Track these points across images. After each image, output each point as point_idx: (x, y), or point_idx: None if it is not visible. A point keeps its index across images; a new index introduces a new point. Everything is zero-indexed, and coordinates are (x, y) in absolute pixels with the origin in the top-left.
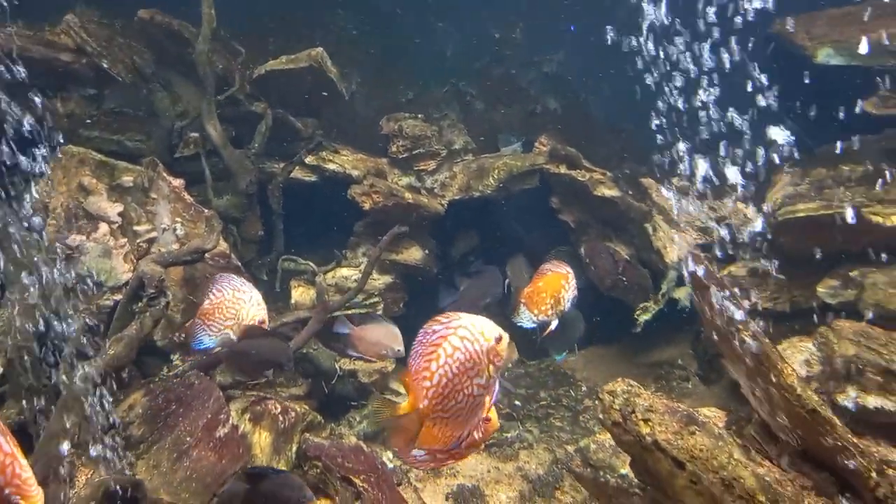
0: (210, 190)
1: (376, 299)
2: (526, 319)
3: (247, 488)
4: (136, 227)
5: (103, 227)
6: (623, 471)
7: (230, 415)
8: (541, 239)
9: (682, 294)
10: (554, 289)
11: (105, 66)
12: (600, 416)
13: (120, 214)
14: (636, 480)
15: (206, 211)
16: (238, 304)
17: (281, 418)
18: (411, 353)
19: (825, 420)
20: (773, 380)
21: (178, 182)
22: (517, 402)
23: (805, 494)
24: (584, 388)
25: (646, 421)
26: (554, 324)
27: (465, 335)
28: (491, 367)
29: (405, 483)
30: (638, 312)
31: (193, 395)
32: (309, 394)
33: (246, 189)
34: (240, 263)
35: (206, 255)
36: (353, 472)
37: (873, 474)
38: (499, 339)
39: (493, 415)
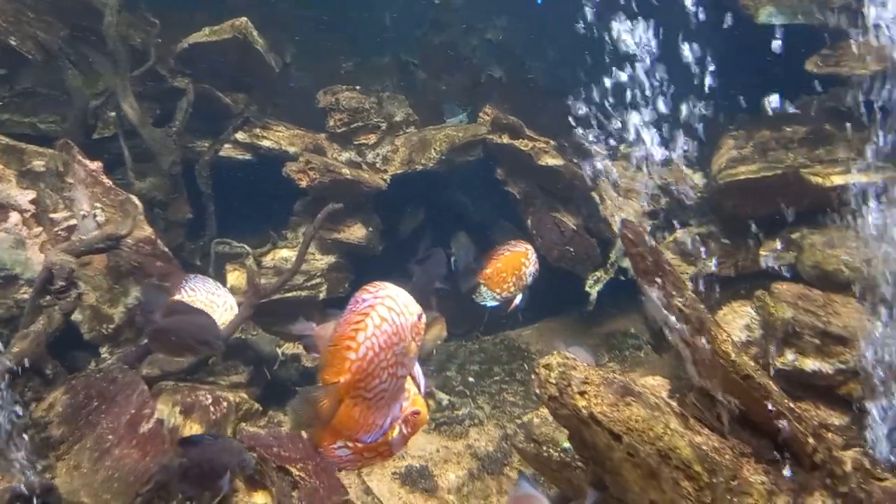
0: (130, 172)
1: (319, 280)
2: (488, 298)
3: (181, 463)
4: (52, 215)
5: (14, 216)
6: (566, 444)
7: (155, 409)
8: (488, 212)
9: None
10: (514, 267)
11: (13, 43)
12: (536, 390)
13: (33, 202)
14: (578, 455)
15: (121, 194)
16: (211, 307)
17: (213, 409)
18: (338, 323)
19: (760, 386)
20: (708, 346)
21: (95, 165)
22: (471, 379)
23: (744, 462)
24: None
25: (582, 394)
26: (518, 298)
27: (392, 306)
28: (413, 344)
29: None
30: (589, 284)
31: (116, 389)
32: (250, 381)
33: (169, 170)
34: (167, 249)
35: (130, 241)
36: (290, 460)
37: (810, 440)
38: (420, 316)
39: (423, 407)
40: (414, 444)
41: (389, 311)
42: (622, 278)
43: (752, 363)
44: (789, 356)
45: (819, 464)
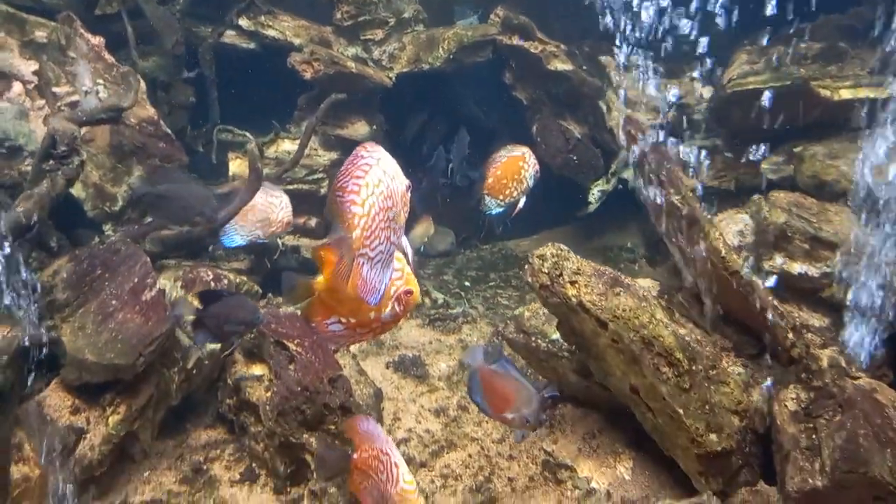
0: (134, 51)
1: (321, 176)
2: (493, 206)
3: (198, 311)
4: (55, 89)
5: (17, 87)
6: (554, 336)
7: (156, 279)
8: (495, 118)
9: (632, 174)
10: (514, 171)
11: None
12: (529, 279)
13: (35, 73)
14: (565, 344)
15: (124, 68)
16: (269, 207)
17: (213, 285)
18: (338, 175)
19: (747, 282)
20: (700, 243)
21: (97, 40)
22: (467, 283)
23: (724, 355)
24: None
25: (572, 283)
26: (522, 201)
27: (387, 169)
28: (402, 214)
29: (343, 351)
30: (590, 191)
31: (119, 260)
32: (251, 269)
33: (173, 49)
34: (170, 131)
35: (133, 120)
36: (287, 336)
37: (789, 334)
38: (408, 187)
39: (415, 287)
40: (408, 336)
41: (384, 173)
42: (621, 187)
43: (741, 261)
44: (778, 259)
45: (796, 358)
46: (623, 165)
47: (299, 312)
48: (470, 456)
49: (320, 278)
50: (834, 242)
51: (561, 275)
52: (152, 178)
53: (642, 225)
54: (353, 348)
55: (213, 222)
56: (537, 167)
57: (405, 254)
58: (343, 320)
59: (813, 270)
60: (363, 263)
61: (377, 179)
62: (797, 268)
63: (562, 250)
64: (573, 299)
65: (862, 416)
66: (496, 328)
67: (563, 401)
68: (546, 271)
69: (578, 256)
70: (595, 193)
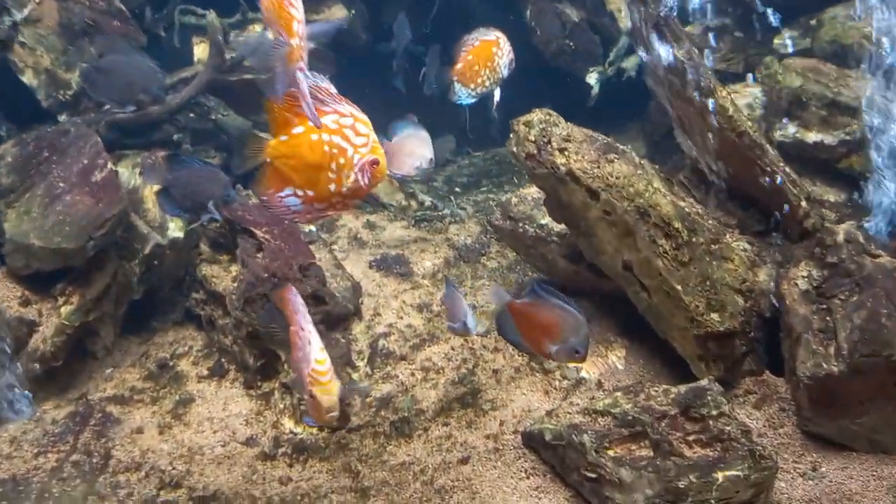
0: None
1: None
2: (464, 96)
3: (166, 178)
4: None
5: None
6: (543, 220)
7: (108, 160)
8: (487, 4)
9: (631, 63)
10: (486, 58)
11: None
12: (514, 149)
13: None
14: (555, 228)
15: None
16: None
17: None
18: None
19: (756, 144)
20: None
21: None
22: (457, 189)
23: (727, 231)
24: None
25: (562, 151)
26: (497, 93)
27: None
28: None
29: (320, 243)
30: (588, 77)
31: (69, 142)
32: (224, 168)
33: None
34: (124, 8)
35: None
36: (255, 224)
37: (803, 202)
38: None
39: (382, 157)
40: (391, 236)
41: None
42: (621, 87)
43: (749, 122)
44: (791, 129)
45: (809, 231)
46: (624, 53)
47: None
48: (453, 349)
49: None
50: (854, 107)
51: (549, 142)
52: (95, 47)
53: (643, 125)
54: (335, 248)
55: (160, 102)
56: (512, 55)
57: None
58: (299, 193)
59: (830, 139)
60: (302, 80)
61: None
62: (812, 136)
63: (550, 115)
64: (562, 168)
65: (883, 294)
66: (485, 227)
67: None
68: (533, 139)
69: (569, 123)
70: (594, 78)
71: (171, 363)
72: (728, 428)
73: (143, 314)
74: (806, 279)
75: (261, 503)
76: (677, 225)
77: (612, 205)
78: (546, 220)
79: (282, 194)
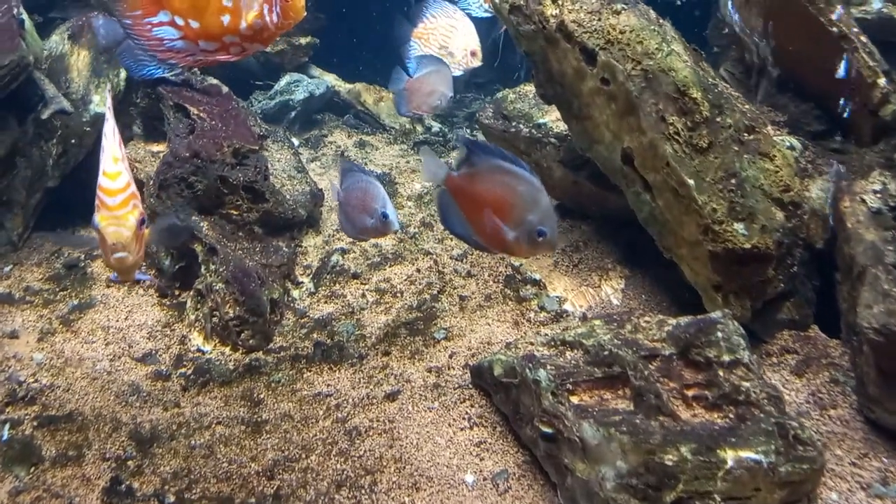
0: None
1: None
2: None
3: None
4: None
5: None
6: (541, 119)
7: (18, 6)
8: None
9: None
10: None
11: None
12: (495, 0)
13: None
14: (554, 129)
15: None
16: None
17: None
18: None
19: (822, 8)
20: None
21: None
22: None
23: (772, 129)
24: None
25: (554, 0)
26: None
27: None
28: None
29: (283, 145)
30: None
31: None
32: None
33: None
34: None
35: None
36: (192, 101)
37: (880, 80)
38: None
39: None
40: (382, 156)
41: None
42: None
43: None
44: (875, 3)
45: (887, 124)
46: None
47: (222, 87)
48: (419, 271)
49: None
50: None
51: None
52: None
53: None
54: (305, 162)
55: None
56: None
57: None
58: (178, 22)
59: None
60: None
61: None
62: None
63: None
64: (552, 21)
65: None
66: None
67: None
68: None
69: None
70: None
71: (81, 264)
72: (746, 384)
73: (66, 211)
74: (878, 195)
75: (124, 430)
76: (696, 94)
77: (611, 69)
78: (546, 118)
79: (153, 20)
